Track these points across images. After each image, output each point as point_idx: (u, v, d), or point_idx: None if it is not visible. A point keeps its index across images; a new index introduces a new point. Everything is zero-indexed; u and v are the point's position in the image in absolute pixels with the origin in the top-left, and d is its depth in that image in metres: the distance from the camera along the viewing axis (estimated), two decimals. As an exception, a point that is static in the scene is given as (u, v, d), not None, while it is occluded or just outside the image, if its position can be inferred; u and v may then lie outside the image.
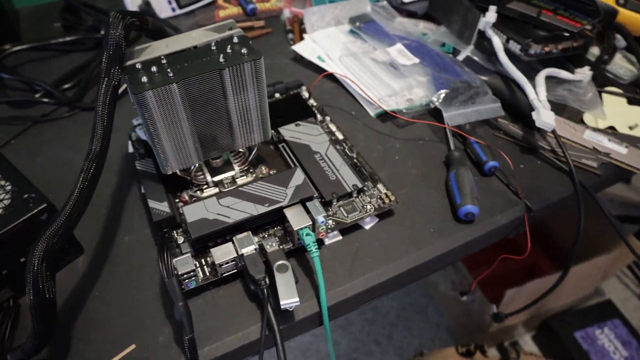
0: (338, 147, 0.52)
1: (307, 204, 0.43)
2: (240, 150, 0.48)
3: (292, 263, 0.44)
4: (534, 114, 0.53)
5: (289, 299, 0.37)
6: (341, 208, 0.46)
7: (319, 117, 0.56)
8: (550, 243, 1.15)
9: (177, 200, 0.47)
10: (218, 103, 0.41)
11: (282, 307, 0.37)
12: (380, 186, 0.48)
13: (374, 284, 0.43)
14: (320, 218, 0.42)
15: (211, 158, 0.47)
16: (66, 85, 0.64)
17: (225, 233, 0.41)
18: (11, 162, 0.43)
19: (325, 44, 0.68)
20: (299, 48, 0.68)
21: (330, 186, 0.46)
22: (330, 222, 0.45)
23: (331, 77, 0.65)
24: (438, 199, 0.50)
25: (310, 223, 0.41)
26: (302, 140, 0.51)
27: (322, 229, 0.43)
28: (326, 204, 0.46)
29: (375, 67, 0.64)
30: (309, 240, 0.41)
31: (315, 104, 0.58)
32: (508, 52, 0.61)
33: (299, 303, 0.37)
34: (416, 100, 0.60)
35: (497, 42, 0.61)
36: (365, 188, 0.48)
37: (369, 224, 0.47)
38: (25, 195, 0.41)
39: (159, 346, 0.39)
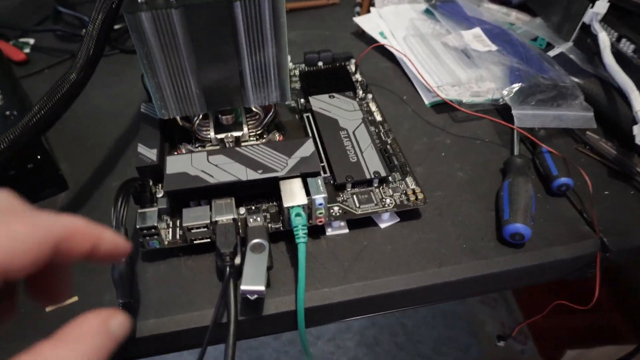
0: (372, 128, 0.43)
1: (309, 180, 0.35)
2: (255, 109, 0.41)
3: (279, 248, 0.37)
4: (636, 129, 0.40)
5: (251, 284, 0.30)
6: (354, 196, 0.38)
7: (360, 93, 0.48)
8: (631, 299, 0.95)
9: (174, 152, 0.41)
10: (227, 44, 0.35)
11: (240, 292, 0.30)
12: (409, 180, 0.39)
13: (370, 295, 0.34)
14: (318, 199, 0.34)
15: (221, 113, 0.41)
16: (116, 26, 0.62)
17: (206, 194, 0.35)
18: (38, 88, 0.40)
19: (391, 21, 0.59)
20: (361, 20, 0.60)
21: (347, 168, 0.38)
22: (336, 208, 0.37)
23: (389, 56, 0.56)
24: (482, 211, 0.39)
25: (305, 203, 0.34)
26: (330, 114, 0.44)
27: (321, 213, 0.35)
28: (338, 188, 0.38)
29: (444, 52, 0.54)
30: (298, 222, 0.33)
31: (360, 79, 0.50)
32: (616, 52, 0.48)
33: (263, 293, 0.30)
34: (483, 94, 0.49)
35: (605, 39, 0.49)
36: (390, 179, 0.39)
37: (385, 222, 0.38)
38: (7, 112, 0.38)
39: (102, 304, 0.33)
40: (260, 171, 0.35)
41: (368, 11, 0.63)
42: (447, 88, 0.50)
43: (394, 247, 0.37)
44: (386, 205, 0.37)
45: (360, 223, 0.38)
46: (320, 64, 0.52)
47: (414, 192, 0.38)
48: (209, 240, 0.34)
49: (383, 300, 0.34)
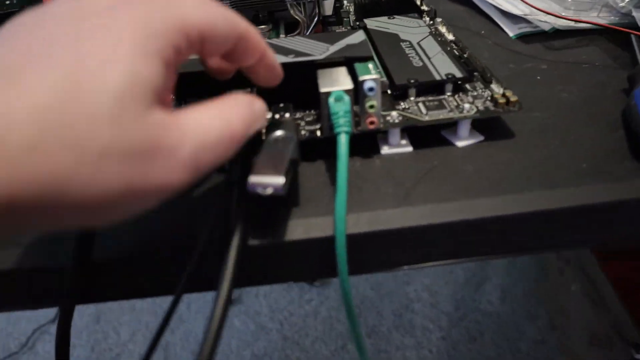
0: (440, 39, 0.34)
1: (356, 65, 0.25)
2: (298, 17, 0.33)
3: (315, 168, 0.27)
4: None
5: (265, 174, 0.20)
6: (420, 104, 0.28)
7: (426, 19, 0.39)
8: None
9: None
10: None
11: (249, 185, 0.20)
12: (494, 86, 0.29)
13: (444, 221, 0.23)
14: (368, 82, 0.24)
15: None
16: None
17: (218, 86, 0.26)
18: None
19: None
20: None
21: (409, 72, 0.29)
22: (394, 114, 0.27)
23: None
24: (602, 132, 0.28)
25: (350, 87, 0.24)
26: (389, 30, 0.35)
27: (373, 107, 0.25)
28: (397, 97, 0.28)
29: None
30: (339, 108, 0.23)
31: (427, 8, 0.41)
32: None
33: (281, 188, 0.20)
34: (585, 14, 0.38)
35: None
36: (467, 86, 0.29)
37: (463, 140, 0.27)
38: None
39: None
40: (291, 56, 0.26)
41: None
42: (538, 14, 0.40)
43: (478, 167, 0.26)
44: (465, 112, 0.27)
45: (428, 140, 0.28)
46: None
47: (503, 95, 0.27)
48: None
49: (462, 232, 0.23)
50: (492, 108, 0.27)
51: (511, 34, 0.40)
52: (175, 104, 0.28)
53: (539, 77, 0.34)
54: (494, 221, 0.23)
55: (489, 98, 0.27)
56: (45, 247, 0.23)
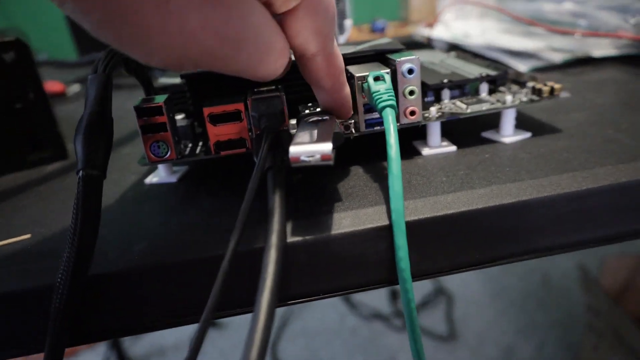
0: (462, 59, 0.33)
1: (389, 56, 0.24)
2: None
3: (348, 171, 0.24)
4: None
5: (310, 142, 0.17)
6: (457, 102, 0.26)
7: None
8: None
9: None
10: None
11: (291, 154, 0.17)
12: (531, 83, 0.27)
13: (505, 203, 0.19)
14: (407, 63, 0.22)
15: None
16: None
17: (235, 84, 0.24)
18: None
19: (462, 27, 0.53)
20: (429, 32, 0.54)
21: (440, 77, 0.27)
22: (433, 110, 0.25)
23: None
24: (658, 121, 0.26)
25: (387, 70, 0.22)
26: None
27: (413, 93, 0.22)
28: (430, 105, 0.26)
29: (534, 30, 0.46)
30: (380, 87, 0.21)
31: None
32: None
33: (330, 156, 0.17)
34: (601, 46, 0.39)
35: None
36: (502, 88, 0.27)
37: (510, 137, 0.25)
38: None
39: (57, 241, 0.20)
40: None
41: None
42: (548, 50, 0.40)
43: (536, 154, 0.23)
44: (506, 103, 0.25)
45: (469, 143, 0.25)
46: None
47: (545, 84, 0.25)
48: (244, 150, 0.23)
49: (523, 209, 0.20)
50: (536, 99, 0.25)
51: (525, 68, 0.40)
52: (193, 106, 0.25)
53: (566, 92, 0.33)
54: (578, 197, 0.20)
55: (530, 91, 0.26)
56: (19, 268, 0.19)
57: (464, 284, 1.22)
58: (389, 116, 0.20)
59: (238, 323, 1.17)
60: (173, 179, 0.26)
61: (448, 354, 1.02)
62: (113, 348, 1.08)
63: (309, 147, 0.17)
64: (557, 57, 0.39)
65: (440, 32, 0.52)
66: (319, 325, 1.14)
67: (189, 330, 1.15)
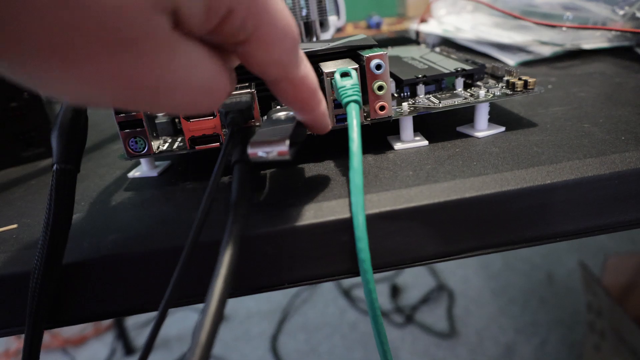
0: (443, 54, 0.33)
1: (361, 52, 0.24)
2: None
3: (320, 166, 0.24)
4: None
5: (269, 138, 0.17)
6: (431, 97, 0.26)
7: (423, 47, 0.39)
8: None
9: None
10: None
11: (250, 149, 0.17)
12: (508, 77, 0.27)
13: (467, 196, 0.19)
14: (376, 59, 0.22)
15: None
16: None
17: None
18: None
19: (454, 21, 0.53)
20: (422, 27, 0.54)
21: (415, 72, 0.27)
22: (405, 105, 0.25)
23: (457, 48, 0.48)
24: (634, 114, 0.25)
25: (356, 66, 0.22)
26: (390, 53, 0.34)
27: (382, 88, 0.22)
28: (404, 100, 0.27)
29: (525, 23, 0.45)
30: (345, 82, 0.21)
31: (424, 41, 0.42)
32: None
33: (286, 152, 0.17)
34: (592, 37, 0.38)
35: None
36: (479, 83, 0.27)
37: (483, 131, 0.25)
38: None
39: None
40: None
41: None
42: (536, 44, 0.40)
43: (506, 148, 0.23)
44: (480, 98, 0.25)
45: (440, 132, 0.25)
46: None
47: (520, 78, 0.25)
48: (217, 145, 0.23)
49: (491, 203, 0.20)
50: (509, 92, 0.25)
51: (513, 62, 0.40)
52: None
53: (550, 86, 0.32)
54: (544, 192, 0.20)
55: (504, 85, 0.26)
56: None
57: (465, 282, 1.22)
58: (352, 111, 0.20)
59: (241, 315, 1.18)
60: (154, 173, 0.26)
61: (448, 351, 1.02)
62: (120, 338, 1.10)
63: (266, 143, 0.17)
64: (546, 51, 0.39)
65: (432, 27, 0.52)
66: (319, 320, 1.15)
67: (192, 322, 1.16)
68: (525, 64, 0.39)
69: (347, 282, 1.25)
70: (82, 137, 0.20)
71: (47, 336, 1.16)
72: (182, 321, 1.18)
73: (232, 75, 0.16)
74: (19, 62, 0.11)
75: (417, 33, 0.45)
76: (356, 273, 0.20)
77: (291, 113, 0.21)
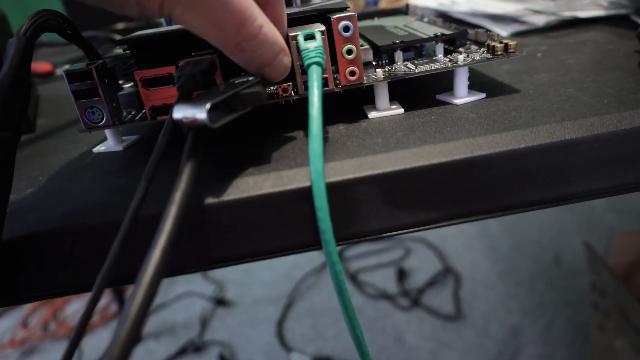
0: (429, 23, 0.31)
1: (331, 15, 0.23)
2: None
3: (289, 136, 0.23)
4: None
5: (193, 104, 0.17)
6: (408, 63, 0.25)
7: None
8: None
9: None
10: None
11: (173, 114, 0.16)
12: (491, 42, 0.26)
13: (434, 162, 0.18)
14: (344, 21, 0.21)
15: None
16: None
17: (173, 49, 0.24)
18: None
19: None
20: (415, 1, 0.52)
21: (394, 38, 0.26)
22: (379, 72, 0.24)
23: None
24: (620, 78, 0.24)
25: (322, 28, 0.21)
26: (373, 24, 0.33)
27: (351, 52, 0.21)
28: (382, 67, 0.25)
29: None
30: (309, 45, 0.20)
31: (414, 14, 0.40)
32: None
33: (204, 118, 0.16)
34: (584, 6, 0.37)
35: None
36: (460, 50, 0.26)
37: (463, 98, 0.24)
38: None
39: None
40: (259, 15, 0.24)
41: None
42: (530, 13, 0.38)
43: (483, 114, 0.22)
44: (459, 62, 0.23)
45: (420, 101, 0.24)
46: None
47: (501, 41, 0.24)
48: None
49: (468, 175, 0.19)
50: (489, 56, 0.23)
51: (505, 33, 0.38)
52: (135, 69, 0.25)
53: (539, 54, 0.31)
54: (513, 156, 0.18)
55: (486, 47, 0.24)
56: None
57: (472, 264, 1.21)
58: (314, 73, 0.19)
59: (247, 301, 1.19)
60: (119, 147, 0.25)
61: (454, 334, 1.02)
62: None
63: (189, 108, 0.16)
64: (540, 20, 0.37)
65: (426, 1, 0.50)
66: (325, 305, 1.15)
67: (198, 308, 1.17)
68: (518, 34, 0.38)
69: (353, 266, 1.25)
70: (21, 103, 0.19)
71: (53, 325, 1.18)
72: (187, 308, 1.18)
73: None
74: None
75: (407, 5, 0.44)
76: (320, 245, 0.19)
77: (250, 77, 0.20)
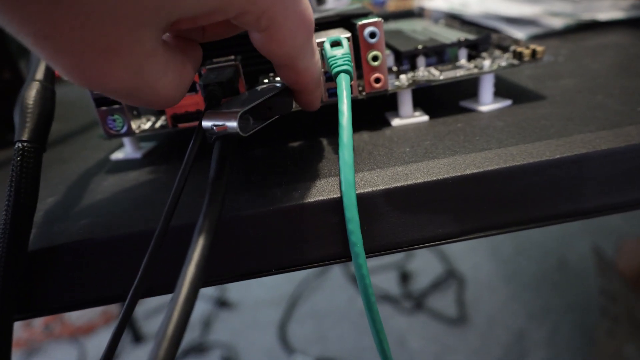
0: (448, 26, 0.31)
1: (355, 21, 0.22)
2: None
3: (312, 145, 0.23)
4: None
5: (222, 111, 0.16)
6: (431, 69, 0.24)
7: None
8: None
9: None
10: None
11: (203, 122, 0.16)
12: (514, 47, 0.25)
13: (467, 173, 0.18)
14: (370, 27, 0.20)
15: None
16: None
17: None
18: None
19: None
20: (427, 2, 0.51)
21: (416, 43, 0.25)
22: (403, 78, 0.23)
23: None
24: (653, 86, 0.23)
25: (348, 35, 0.21)
26: (390, 28, 0.33)
27: (377, 59, 0.21)
28: (404, 72, 0.25)
29: None
30: (336, 52, 0.19)
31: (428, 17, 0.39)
32: None
33: (235, 125, 0.16)
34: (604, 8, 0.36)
35: None
36: (483, 54, 0.25)
37: (488, 105, 0.23)
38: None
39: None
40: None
41: None
42: (547, 16, 0.38)
43: (511, 122, 0.21)
44: (485, 68, 0.23)
45: (443, 107, 0.24)
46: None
47: (527, 47, 0.23)
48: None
49: (509, 185, 0.18)
50: (516, 62, 0.23)
51: (523, 35, 0.38)
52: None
53: (561, 58, 0.30)
54: (541, 168, 0.18)
55: (511, 55, 0.24)
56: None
57: (476, 267, 1.20)
58: (342, 82, 0.18)
59: (250, 303, 1.18)
60: (138, 155, 0.25)
61: (458, 338, 1.01)
62: (128, 326, 1.11)
63: (218, 116, 0.16)
64: (558, 23, 0.37)
65: (438, 3, 0.50)
66: (328, 307, 1.14)
67: (201, 310, 1.16)
68: (535, 38, 0.37)
69: (355, 268, 1.24)
70: (47, 114, 0.18)
71: (56, 325, 1.17)
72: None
73: (185, 90, 0.16)
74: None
75: (422, 9, 0.43)
76: (349, 257, 0.18)
77: (277, 84, 0.19)
